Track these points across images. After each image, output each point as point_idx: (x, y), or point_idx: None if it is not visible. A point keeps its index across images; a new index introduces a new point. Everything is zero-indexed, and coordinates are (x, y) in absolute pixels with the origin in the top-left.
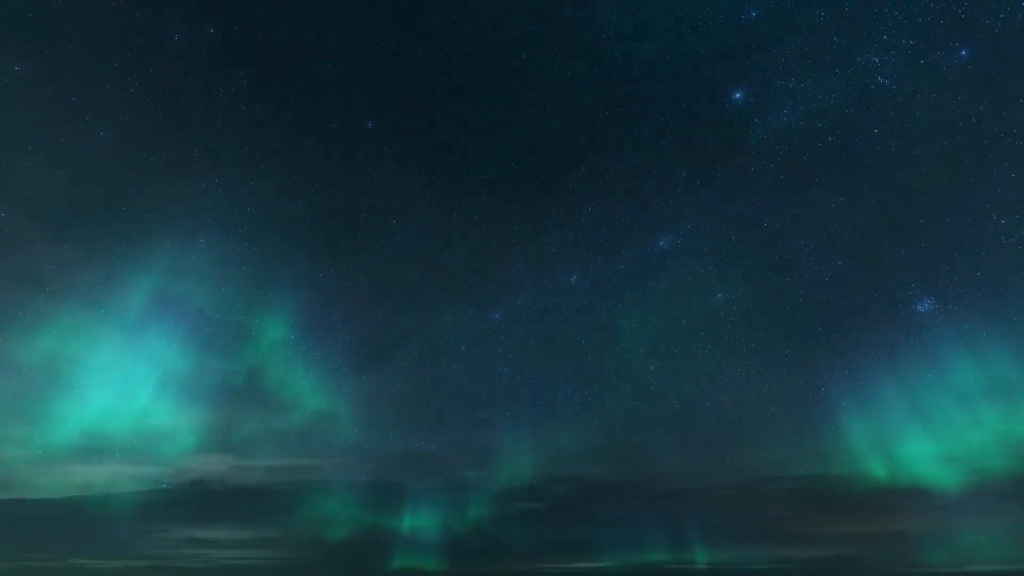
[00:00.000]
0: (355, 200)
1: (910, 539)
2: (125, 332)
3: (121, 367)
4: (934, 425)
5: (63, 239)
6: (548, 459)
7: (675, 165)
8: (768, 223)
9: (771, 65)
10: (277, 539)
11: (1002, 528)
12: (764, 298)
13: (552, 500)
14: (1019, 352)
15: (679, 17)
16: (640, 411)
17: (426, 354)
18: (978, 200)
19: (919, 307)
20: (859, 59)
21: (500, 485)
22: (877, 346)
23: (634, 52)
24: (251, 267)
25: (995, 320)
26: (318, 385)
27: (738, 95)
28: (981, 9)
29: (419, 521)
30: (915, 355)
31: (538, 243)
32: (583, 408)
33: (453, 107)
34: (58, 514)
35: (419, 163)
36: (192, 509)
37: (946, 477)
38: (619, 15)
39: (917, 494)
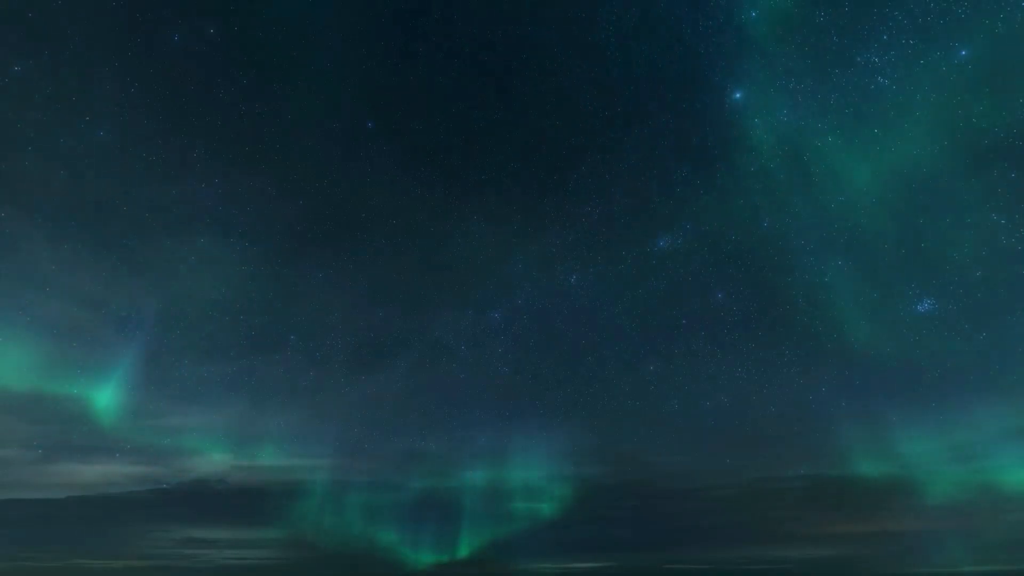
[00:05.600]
0: (355, 200)
1: (910, 539)
2: (125, 332)
3: (121, 367)
4: (934, 425)
5: (63, 239)
6: (548, 459)
7: (675, 165)
8: (768, 223)
9: (771, 65)
10: (277, 539)
11: (1002, 528)
12: (764, 298)
13: (552, 500)
14: (1019, 351)
15: (679, 17)
16: (640, 411)
17: (426, 354)
18: (978, 200)
19: (919, 307)
20: (859, 59)
21: (500, 485)
22: (877, 346)
23: (634, 52)
24: (251, 267)
25: (995, 320)
26: (318, 385)
27: (738, 95)
28: (981, 9)
29: (419, 521)
30: (915, 355)
31: (538, 243)
32: (584, 408)
33: (453, 107)
34: (58, 514)
35: (419, 163)
36: (192, 509)
37: (946, 477)
38: (619, 15)
39: (916, 494)
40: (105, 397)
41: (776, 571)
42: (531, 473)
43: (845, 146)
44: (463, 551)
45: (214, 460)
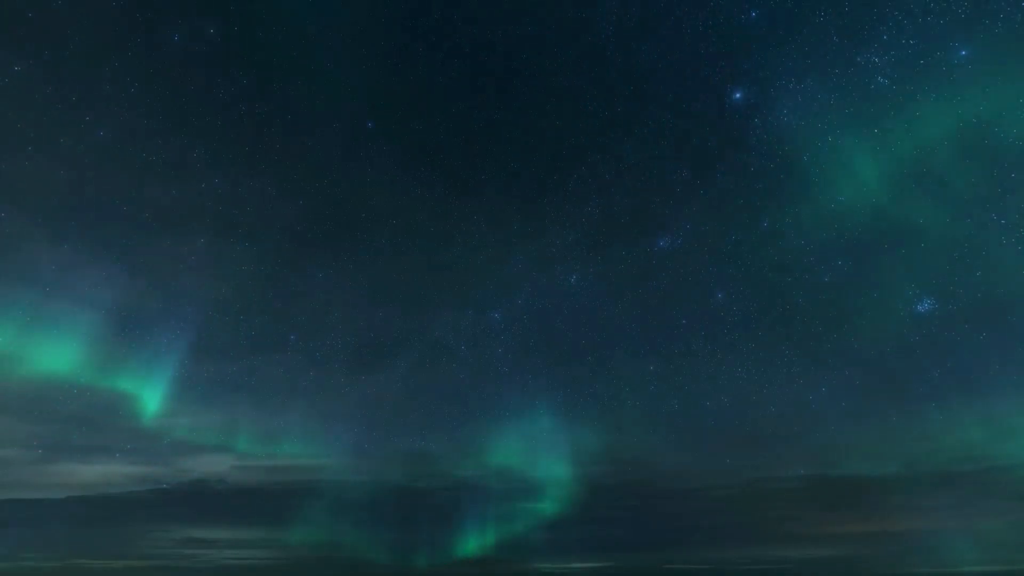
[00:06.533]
0: (355, 200)
1: (910, 539)
2: (125, 332)
3: (121, 367)
4: (935, 425)
5: (63, 239)
6: (548, 459)
7: (675, 165)
8: (768, 223)
9: (771, 65)
10: (277, 539)
11: (1002, 528)
12: (764, 298)
13: (553, 500)
14: (1019, 351)
15: (679, 17)
16: (640, 411)
17: (426, 354)
18: (978, 200)
19: (919, 307)
20: (859, 59)
21: (500, 485)
22: (877, 346)
23: (634, 52)
24: (251, 267)
25: (995, 320)
26: (318, 385)
27: (738, 95)
28: (981, 9)
29: (418, 521)
30: (915, 355)
31: (538, 243)
32: (584, 408)
33: (453, 107)
34: (58, 514)
35: (419, 163)
36: (192, 509)
37: (946, 476)
38: (619, 15)
39: (916, 494)
40: (105, 397)
41: (776, 571)
42: (531, 473)
43: (845, 146)
44: (463, 551)
45: (214, 460)
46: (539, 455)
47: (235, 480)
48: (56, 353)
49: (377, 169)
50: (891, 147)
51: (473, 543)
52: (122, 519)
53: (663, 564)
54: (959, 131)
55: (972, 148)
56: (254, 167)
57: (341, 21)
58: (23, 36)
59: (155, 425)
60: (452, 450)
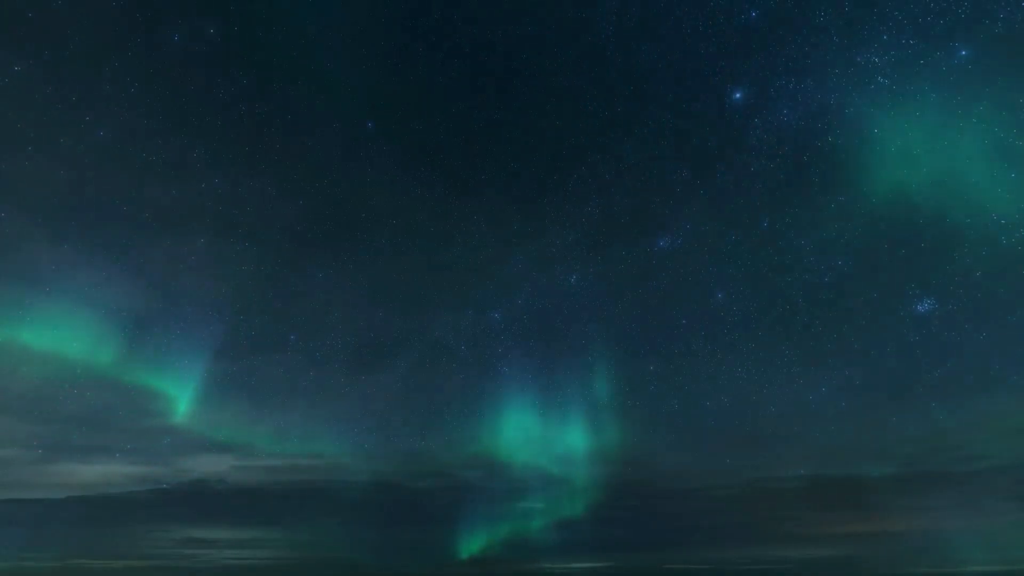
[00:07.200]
0: (355, 200)
1: (910, 539)
2: (125, 332)
3: (121, 367)
4: (935, 425)
5: (63, 239)
6: (548, 459)
7: (675, 165)
8: (768, 223)
9: (771, 65)
10: (277, 539)
11: (1003, 528)
12: (764, 298)
13: (552, 500)
14: (1019, 351)
15: (679, 17)
16: (640, 411)
17: (426, 354)
18: (977, 200)
19: (919, 307)
20: (859, 59)
21: (500, 485)
22: (877, 346)
23: (634, 52)
24: (251, 267)
25: (995, 320)
26: (318, 385)
27: (738, 95)
28: (981, 9)
29: (418, 521)
30: (915, 355)
31: (538, 243)
32: (583, 408)
33: (453, 107)
34: (58, 514)
35: (419, 163)
36: (192, 509)
37: (946, 476)
38: (619, 15)
39: (916, 494)
40: (105, 397)
41: (776, 571)
42: (531, 473)
43: (845, 146)
44: (463, 551)
45: (214, 460)
46: (539, 455)
47: (235, 480)
48: (56, 353)
49: (377, 169)
50: (891, 147)
51: (473, 543)
52: (122, 519)
53: (663, 564)
54: (959, 131)
55: (972, 148)
56: (254, 167)
57: (341, 21)
58: (23, 36)
59: (155, 425)
60: (452, 450)
